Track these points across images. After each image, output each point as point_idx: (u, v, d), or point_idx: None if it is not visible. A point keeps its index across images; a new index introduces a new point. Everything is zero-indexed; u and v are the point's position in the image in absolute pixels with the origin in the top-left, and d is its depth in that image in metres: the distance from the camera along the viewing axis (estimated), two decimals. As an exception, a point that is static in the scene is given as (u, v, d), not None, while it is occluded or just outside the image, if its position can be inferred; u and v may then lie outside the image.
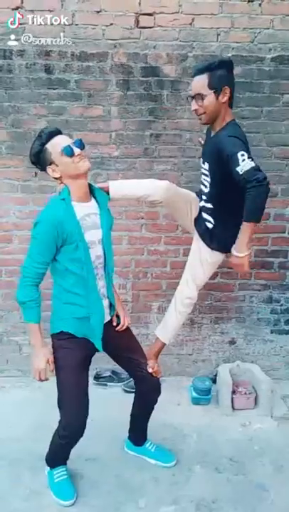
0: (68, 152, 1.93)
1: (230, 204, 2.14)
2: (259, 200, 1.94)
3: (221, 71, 2.07)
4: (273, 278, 3.32)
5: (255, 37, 2.95)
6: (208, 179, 2.21)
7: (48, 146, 1.97)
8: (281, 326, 3.39)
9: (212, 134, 2.22)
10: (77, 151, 1.95)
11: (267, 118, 3.06)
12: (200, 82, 2.09)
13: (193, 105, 2.14)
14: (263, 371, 3.17)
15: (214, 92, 2.07)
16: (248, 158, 1.92)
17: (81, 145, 2.00)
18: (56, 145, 1.96)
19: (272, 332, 3.40)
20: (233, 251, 2.14)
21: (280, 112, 3.06)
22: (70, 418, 2.10)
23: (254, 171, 1.90)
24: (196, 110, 2.15)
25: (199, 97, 2.10)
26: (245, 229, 2.02)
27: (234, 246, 2.14)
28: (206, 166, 2.22)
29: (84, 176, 2.02)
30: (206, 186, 2.25)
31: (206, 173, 2.23)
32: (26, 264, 1.98)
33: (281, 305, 3.36)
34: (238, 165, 1.91)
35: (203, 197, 2.29)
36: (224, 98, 2.10)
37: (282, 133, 3.09)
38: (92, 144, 3.05)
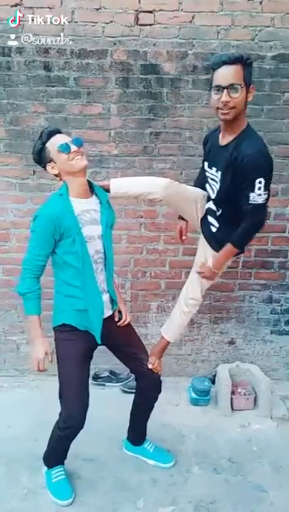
0: (64, 149, 1.99)
1: (239, 211, 2.12)
2: (250, 234, 2.14)
3: (251, 68, 1.94)
4: (273, 278, 3.30)
5: (256, 35, 2.93)
6: (218, 186, 2.13)
7: (48, 144, 2.05)
8: (281, 327, 3.38)
9: (224, 137, 2.09)
10: (73, 147, 2.00)
11: (267, 116, 3.04)
12: (235, 72, 1.88)
13: (225, 96, 1.89)
14: (262, 372, 3.15)
15: (246, 87, 1.92)
16: (265, 189, 1.94)
17: (78, 142, 2.04)
18: (54, 143, 2.02)
19: (271, 332, 3.38)
20: (210, 262, 2.26)
21: (280, 110, 3.04)
22: (71, 409, 2.11)
23: (261, 209, 2.00)
24: (226, 103, 1.90)
25: (233, 88, 1.89)
26: (229, 250, 2.17)
27: (212, 257, 2.26)
28: (219, 174, 2.10)
29: (82, 174, 2.06)
30: (213, 192, 2.18)
31: (216, 179, 2.14)
32: (26, 257, 2.04)
33: (281, 305, 3.34)
34: (253, 191, 1.94)
35: (211, 201, 2.24)
36: (250, 97, 1.97)
37: (283, 131, 3.07)
38: (91, 141, 3.04)
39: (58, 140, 2.02)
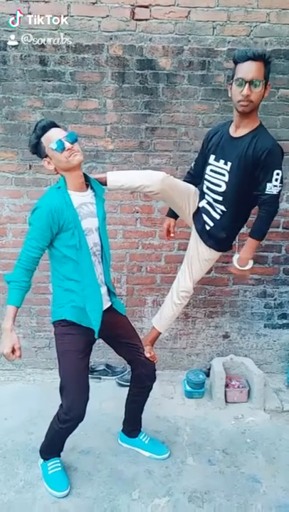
0: (58, 147, 1.97)
1: (245, 205, 2.24)
2: (268, 223, 2.17)
3: (270, 66, 2.08)
4: (267, 272, 3.33)
5: (252, 30, 2.94)
6: (226, 178, 2.19)
7: (43, 139, 2.03)
8: (274, 321, 3.41)
9: (237, 129, 2.18)
10: (67, 145, 1.98)
11: (262, 112, 3.02)
12: (258, 69, 2.02)
13: (247, 90, 2.02)
14: (256, 365, 3.19)
15: (265, 84, 2.07)
16: (280, 181, 2.07)
17: (72, 138, 2.01)
18: (48, 139, 2.00)
19: (265, 326, 3.42)
20: (235, 263, 2.29)
21: (275, 106, 3.06)
22: (72, 401, 2.13)
23: (276, 199, 2.10)
24: (247, 96, 2.03)
25: (254, 83, 2.03)
26: (251, 245, 2.22)
27: (236, 257, 2.29)
28: (228, 166, 2.18)
29: (77, 168, 2.06)
30: (219, 186, 2.22)
31: (224, 172, 2.19)
32: (22, 248, 2.02)
33: (275, 299, 3.38)
34: (270, 182, 2.06)
35: (214, 196, 2.27)
36: (266, 93, 2.12)
37: (278, 127, 3.09)
38: (87, 136, 3.05)
39: (52, 136, 1.99)
